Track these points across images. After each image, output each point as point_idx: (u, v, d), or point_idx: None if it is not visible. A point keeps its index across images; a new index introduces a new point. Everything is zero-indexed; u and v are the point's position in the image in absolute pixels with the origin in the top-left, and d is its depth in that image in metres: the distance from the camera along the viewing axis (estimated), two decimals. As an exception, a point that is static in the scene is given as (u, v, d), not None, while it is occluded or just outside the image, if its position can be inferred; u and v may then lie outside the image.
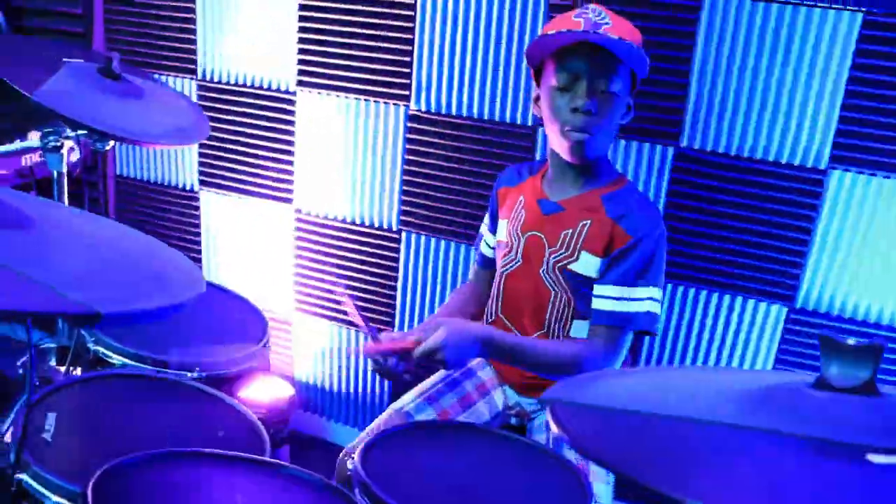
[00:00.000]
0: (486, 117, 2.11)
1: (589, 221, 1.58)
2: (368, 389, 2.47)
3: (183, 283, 0.75)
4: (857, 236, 1.86)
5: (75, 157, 2.38)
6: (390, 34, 2.14)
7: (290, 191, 2.39)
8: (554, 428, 0.61)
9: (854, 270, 1.88)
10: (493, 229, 1.78)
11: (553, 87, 1.55)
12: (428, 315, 2.29)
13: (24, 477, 1.13)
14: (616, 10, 1.57)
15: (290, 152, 2.35)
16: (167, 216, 2.58)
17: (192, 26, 2.35)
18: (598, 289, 1.56)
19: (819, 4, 1.76)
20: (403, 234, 2.28)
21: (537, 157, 2.08)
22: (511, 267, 1.67)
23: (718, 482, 0.49)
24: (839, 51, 1.76)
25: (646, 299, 1.54)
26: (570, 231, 1.59)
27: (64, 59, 1.54)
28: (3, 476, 1.14)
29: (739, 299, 1.99)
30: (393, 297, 2.34)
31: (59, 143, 1.56)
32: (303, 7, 2.21)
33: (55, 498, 1.12)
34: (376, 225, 2.31)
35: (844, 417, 0.54)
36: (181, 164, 2.52)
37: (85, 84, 1.48)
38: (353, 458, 1.31)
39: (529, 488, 1.33)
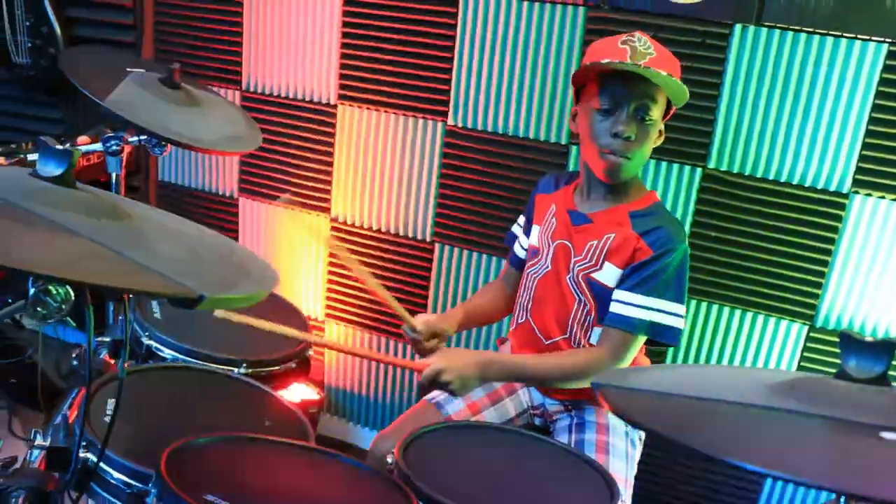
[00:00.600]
0: (521, 134, 2.19)
1: (613, 234, 1.65)
2: (396, 394, 2.54)
3: (262, 274, 0.83)
4: (877, 258, 1.92)
5: (123, 161, 2.49)
6: (431, 52, 2.23)
7: (327, 200, 2.49)
8: (605, 405, 0.68)
9: (873, 291, 1.93)
10: (528, 233, 1.87)
11: (595, 108, 1.63)
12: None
13: (89, 456, 1.21)
14: (650, 35, 1.66)
15: (329, 163, 2.45)
16: (206, 221, 2.67)
17: (239, 39, 2.45)
18: (615, 294, 1.65)
19: (845, 35, 1.83)
20: (437, 246, 2.36)
21: (568, 173, 2.16)
22: (541, 273, 1.75)
23: (750, 448, 0.56)
24: (864, 79, 1.83)
25: (660, 311, 1.61)
26: (596, 242, 1.67)
27: (127, 69, 1.65)
28: (68, 454, 1.22)
29: (762, 317, 2.05)
30: (424, 308, 2.42)
31: (119, 147, 1.66)
32: (346, 24, 2.31)
33: (117, 475, 1.20)
34: (410, 236, 2.39)
35: (861, 403, 0.61)
36: (222, 172, 2.62)
37: (148, 92, 1.58)
38: (392, 454, 1.39)
39: (560, 486, 1.40)
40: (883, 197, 1.89)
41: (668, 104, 1.64)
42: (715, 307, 2.08)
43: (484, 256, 2.31)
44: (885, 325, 1.94)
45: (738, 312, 2.07)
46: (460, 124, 2.25)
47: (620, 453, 1.66)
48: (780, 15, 1.87)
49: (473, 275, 2.35)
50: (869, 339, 0.66)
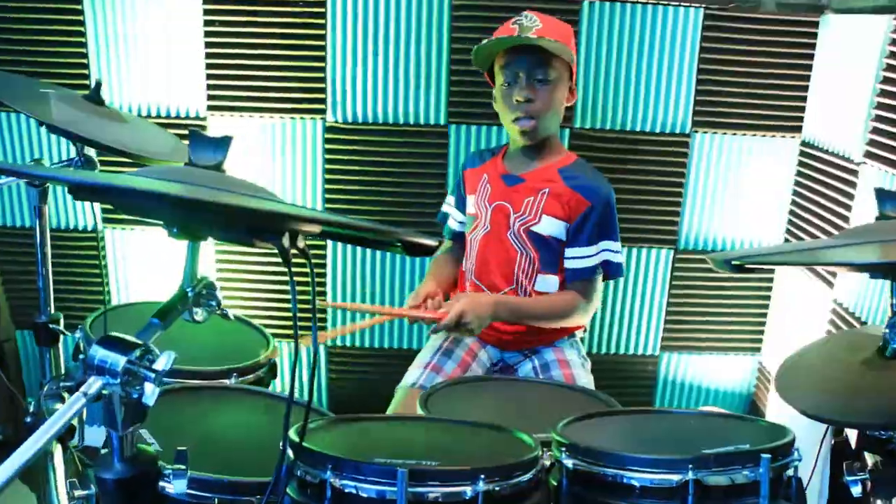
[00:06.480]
0: (400, 121, 2.32)
1: (547, 190, 1.87)
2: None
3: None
4: (717, 183, 2.34)
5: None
6: (301, 53, 2.27)
7: (205, 215, 2.41)
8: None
9: (721, 212, 2.35)
10: (461, 206, 2.02)
11: (500, 85, 1.84)
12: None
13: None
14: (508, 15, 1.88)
15: (204, 176, 2.38)
16: (60, 262, 2.44)
17: (84, 61, 2.29)
18: (568, 252, 1.88)
19: (671, 3, 2.21)
20: (329, 241, 2.41)
21: (451, 152, 2.33)
22: (481, 234, 1.93)
23: None
24: (690, 37, 2.23)
25: (606, 250, 1.87)
26: (532, 199, 1.87)
27: (41, 90, 1.53)
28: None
29: (635, 249, 2.39)
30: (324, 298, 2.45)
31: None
32: (208, 31, 2.26)
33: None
34: (302, 235, 2.41)
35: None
36: (78, 204, 2.42)
37: (84, 111, 1.49)
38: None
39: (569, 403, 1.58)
40: (716, 133, 2.30)
41: (570, 67, 1.88)
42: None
43: (379, 243, 2.41)
44: (731, 238, 2.37)
45: (615, 250, 2.37)
46: (340, 119, 2.32)
47: (584, 381, 1.88)
48: (620, -11, 2.20)
49: (370, 266, 2.42)
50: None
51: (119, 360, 0.76)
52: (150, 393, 0.76)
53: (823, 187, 2.17)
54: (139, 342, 0.78)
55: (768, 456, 0.98)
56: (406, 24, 2.24)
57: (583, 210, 1.85)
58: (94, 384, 0.75)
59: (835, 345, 1.48)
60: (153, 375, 0.76)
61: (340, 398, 2.52)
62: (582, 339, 2.14)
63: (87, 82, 2.31)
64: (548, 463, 1.09)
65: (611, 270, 1.87)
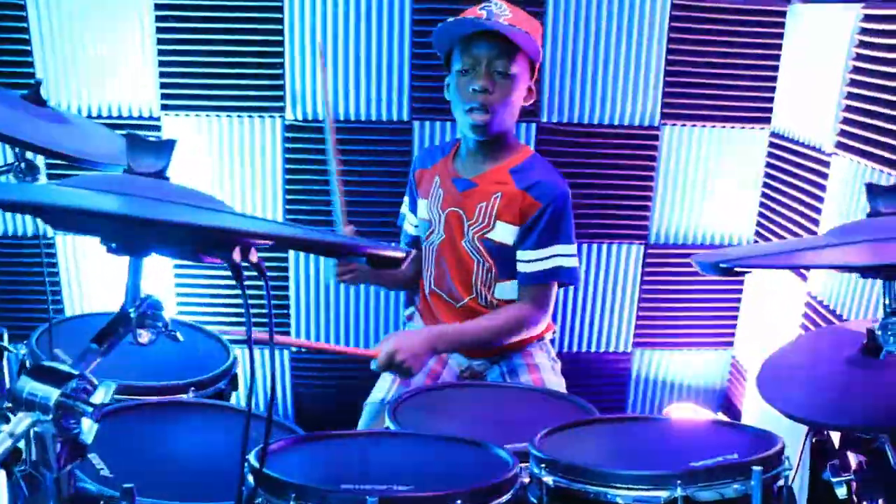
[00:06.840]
0: (362, 118, 2.24)
1: (500, 193, 1.78)
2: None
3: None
4: (688, 176, 2.30)
5: None
6: (258, 49, 2.17)
7: (161, 219, 2.31)
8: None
9: (690, 206, 2.31)
10: (414, 209, 1.94)
11: (457, 70, 1.74)
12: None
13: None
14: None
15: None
16: (5, 271, 2.32)
17: (28, 59, 2.16)
18: (519, 254, 1.79)
19: (637, -10, 2.16)
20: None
21: (414, 149, 2.26)
22: (436, 242, 1.85)
23: None
24: (658, 26, 2.18)
25: (561, 256, 1.78)
26: (485, 204, 1.79)
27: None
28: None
29: (605, 245, 2.34)
30: (288, 314, 2.36)
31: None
32: (160, 27, 2.15)
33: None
34: (263, 238, 2.32)
35: None
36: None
37: (20, 112, 1.38)
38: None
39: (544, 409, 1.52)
40: (685, 125, 2.26)
41: (533, 65, 1.80)
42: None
43: (343, 244, 2.33)
44: (702, 232, 2.34)
45: (584, 246, 2.32)
46: (300, 117, 2.23)
47: (555, 384, 1.82)
48: (585, -21, 2.14)
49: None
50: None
51: (51, 394, 0.68)
52: (88, 429, 0.69)
53: (794, 179, 2.14)
54: (74, 372, 0.70)
55: (760, 468, 0.93)
56: (367, 17, 2.16)
57: (534, 212, 1.75)
58: (22, 421, 0.67)
59: (816, 343, 1.44)
60: (91, 410, 0.68)
61: (305, 407, 2.44)
62: (552, 341, 2.08)
63: (31, 81, 2.18)
64: (527, 480, 1.03)
65: (564, 277, 1.79)
